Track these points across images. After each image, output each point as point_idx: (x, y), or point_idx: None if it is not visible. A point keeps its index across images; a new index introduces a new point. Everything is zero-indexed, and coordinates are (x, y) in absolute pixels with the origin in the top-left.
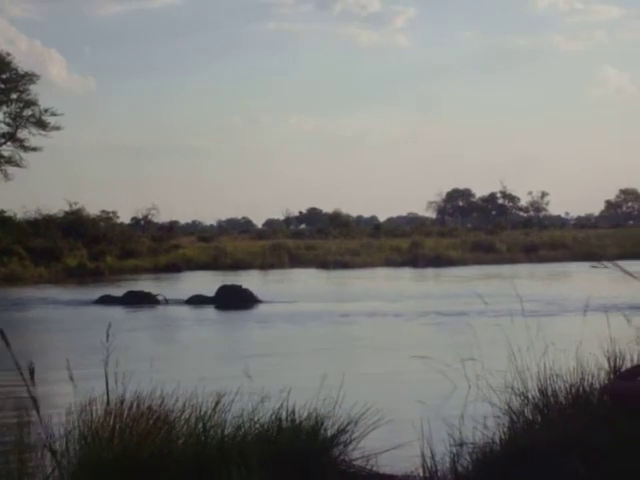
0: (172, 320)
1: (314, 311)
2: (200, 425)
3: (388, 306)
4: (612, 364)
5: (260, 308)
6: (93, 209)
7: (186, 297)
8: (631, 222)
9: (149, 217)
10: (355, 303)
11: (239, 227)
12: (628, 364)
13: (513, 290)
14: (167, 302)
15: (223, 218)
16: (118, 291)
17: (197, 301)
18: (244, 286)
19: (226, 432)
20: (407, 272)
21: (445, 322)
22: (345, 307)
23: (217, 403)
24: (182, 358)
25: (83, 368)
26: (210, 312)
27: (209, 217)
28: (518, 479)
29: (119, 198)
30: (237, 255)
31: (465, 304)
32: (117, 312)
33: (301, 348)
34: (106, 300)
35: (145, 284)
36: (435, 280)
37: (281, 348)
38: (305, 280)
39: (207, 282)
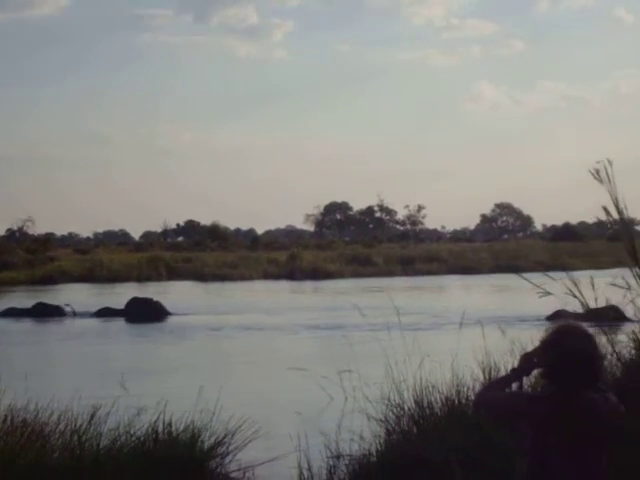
0: (70, 333)
1: (221, 324)
2: (75, 438)
3: (268, 319)
4: (487, 375)
5: (170, 321)
6: None
7: (95, 309)
8: (506, 236)
9: (24, 229)
10: (256, 315)
11: (116, 239)
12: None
13: (390, 303)
14: (75, 314)
15: (100, 230)
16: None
17: (106, 313)
18: (155, 299)
19: (102, 445)
20: (285, 285)
21: (323, 335)
22: (247, 320)
23: (92, 416)
24: (65, 372)
25: None
26: (116, 325)
27: (85, 229)
28: None
29: None
30: (114, 267)
31: (343, 317)
32: (22, 325)
33: (185, 361)
34: (13, 312)
35: (21, 296)
36: (313, 293)
37: (165, 362)
38: (198, 293)
39: (87, 294)
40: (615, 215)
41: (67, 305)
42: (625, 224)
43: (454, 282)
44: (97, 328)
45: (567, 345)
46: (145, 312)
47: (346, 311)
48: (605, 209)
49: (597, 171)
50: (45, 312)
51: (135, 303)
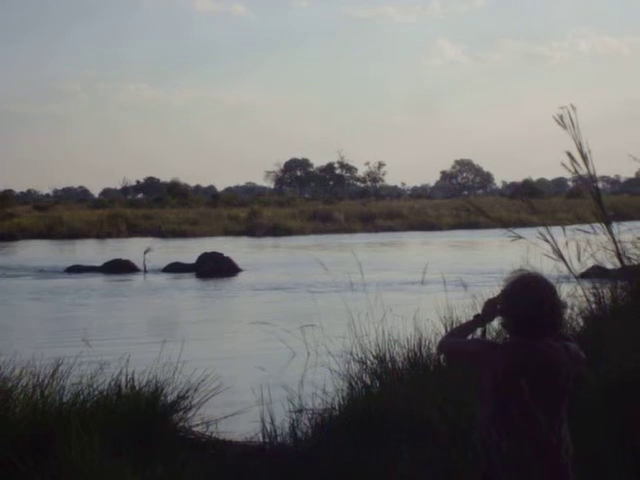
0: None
1: (286, 281)
2: (38, 392)
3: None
4: (449, 330)
5: (240, 277)
6: None
7: (163, 265)
8: (466, 192)
9: None
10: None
11: (75, 196)
12: None
13: (353, 259)
14: (146, 271)
15: (59, 187)
16: None
17: (176, 269)
18: (225, 254)
19: (65, 399)
20: (246, 241)
21: (285, 291)
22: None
23: (55, 370)
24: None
25: None
26: (182, 281)
27: (45, 186)
28: (356, 444)
29: None
30: (74, 224)
31: (306, 273)
32: (89, 282)
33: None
34: (79, 269)
35: None
36: (274, 249)
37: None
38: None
39: (48, 251)
40: (579, 160)
41: (147, 250)
42: (589, 170)
43: (415, 238)
44: (166, 283)
45: (527, 295)
46: (215, 268)
47: (309, 267)
48: (569, 154)
49: (561, 117)
50: (117, 269)
51: (205, 258)
